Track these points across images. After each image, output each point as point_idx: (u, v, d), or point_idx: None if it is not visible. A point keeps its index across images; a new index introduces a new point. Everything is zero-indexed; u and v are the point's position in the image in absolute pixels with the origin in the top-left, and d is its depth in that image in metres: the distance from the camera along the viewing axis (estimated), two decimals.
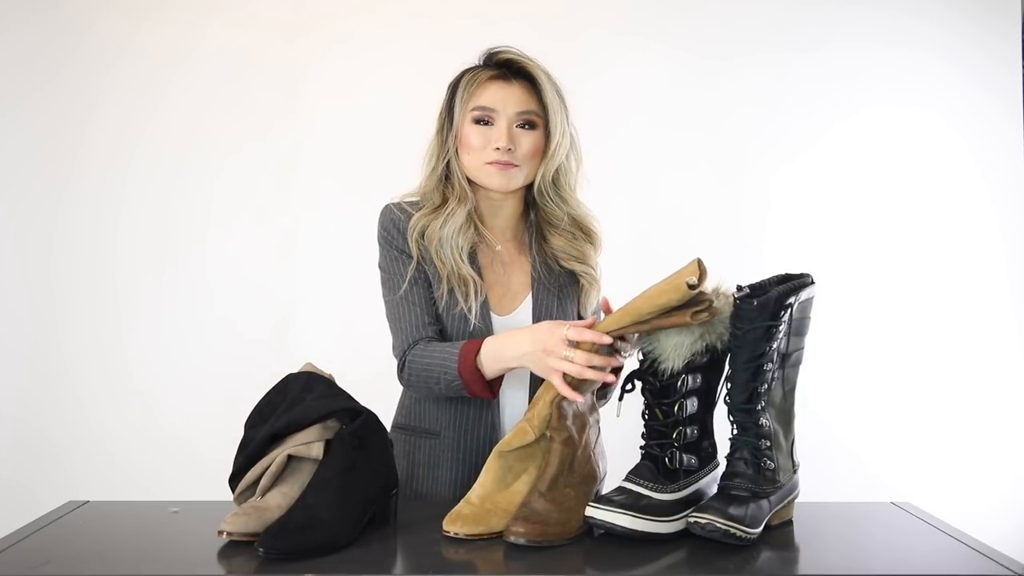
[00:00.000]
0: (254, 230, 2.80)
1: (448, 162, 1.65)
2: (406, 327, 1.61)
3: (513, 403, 1.63)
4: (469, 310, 1.59)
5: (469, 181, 1.66)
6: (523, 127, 1.60)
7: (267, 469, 1.31)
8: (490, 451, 1.46)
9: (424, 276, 1.63)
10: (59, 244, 2.78)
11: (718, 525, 1.23)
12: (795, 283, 1.34)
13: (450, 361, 1.53)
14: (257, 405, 1.39)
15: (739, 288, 1.34)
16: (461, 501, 1.35)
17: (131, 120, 2.79)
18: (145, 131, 2.79)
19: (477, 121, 1.60)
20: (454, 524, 1.31)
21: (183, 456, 2.67)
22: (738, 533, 1.23)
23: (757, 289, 1.34)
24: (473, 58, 1.67)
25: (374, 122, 2.77)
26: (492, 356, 1.50)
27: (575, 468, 1.34)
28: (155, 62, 2.79)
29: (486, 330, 1.61)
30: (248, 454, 1.34)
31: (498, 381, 1.55)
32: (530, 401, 1.44)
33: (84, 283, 2.78)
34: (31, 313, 2.78)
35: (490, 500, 1.34)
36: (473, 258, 1.64)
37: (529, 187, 1.67)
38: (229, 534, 1.23)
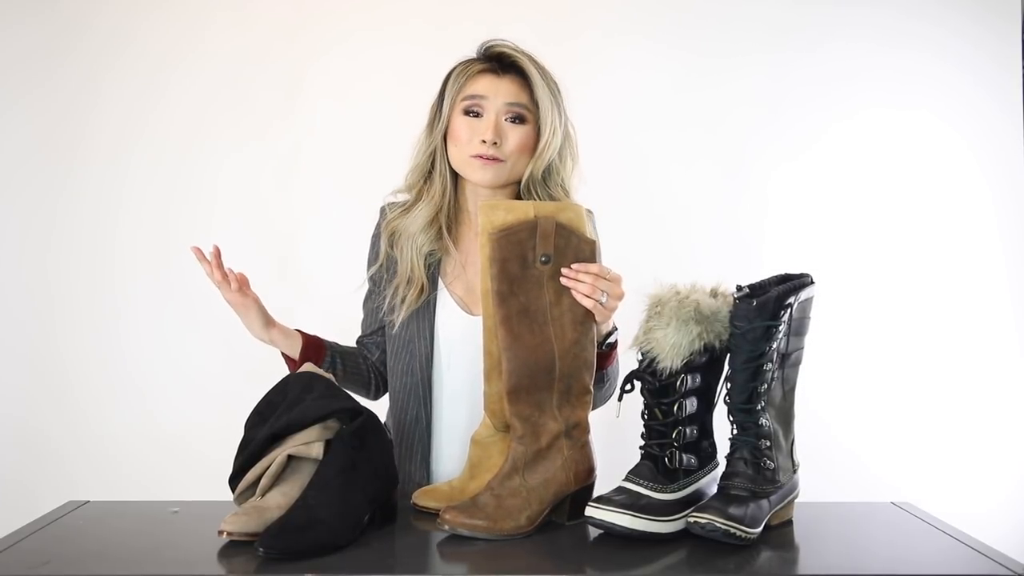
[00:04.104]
0: (254, 229, 2.80)
1: (433, 155, 1.65)
2: (361, 325, 1.77)
3: (447, 414, 1.65)
4: (401, 310, 1.63)
5: (455, 177, 1.67)
6: (512, 121, 1.60)
7: (267, 469, 1.31)
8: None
9: (377, 288, 1.71)
10: (58, 243, 2.78)
11: (718, 525, 1.23)
12: (795, 283, 1.35)
13: None
14: (257, 405, 1.39)
15: (739, 288, 1.34)
16: (445, 481, 1.47)
17: (130, 119, 2.79)
18: (144, 130, 2.79)
19: (467, 112, 1.60)
20: (421, 497, 1.43)
21: (183, 456, 2.66)
22: (738, 533, 1.24)
23: (757, 289, 1.34)
24: (471, 54, 1.68)
25: (374, 122, 2.76)
26: None
27: (536, 469, 1.34)
28: (155, 61, 2.79)
29: (416, 330, 1.63)
30: (248, 454, 1.34)
31: (298, 356, 1.62)
32: (483, 409, 1.46)
33: (84, 283, 2.77)
34: (31, 313, 2.77)
35: (461, 487, 1.42)
36: (433, 261, 1.66)
37: (518, 184, 1.66)
38: (229, 534, 1.23)
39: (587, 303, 1.37)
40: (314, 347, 1.64)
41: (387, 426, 1.73)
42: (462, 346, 1.61)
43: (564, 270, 1.36)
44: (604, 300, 1.37)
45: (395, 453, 1.64)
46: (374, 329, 1.72)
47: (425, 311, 1.64)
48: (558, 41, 2.69)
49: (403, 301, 1.63)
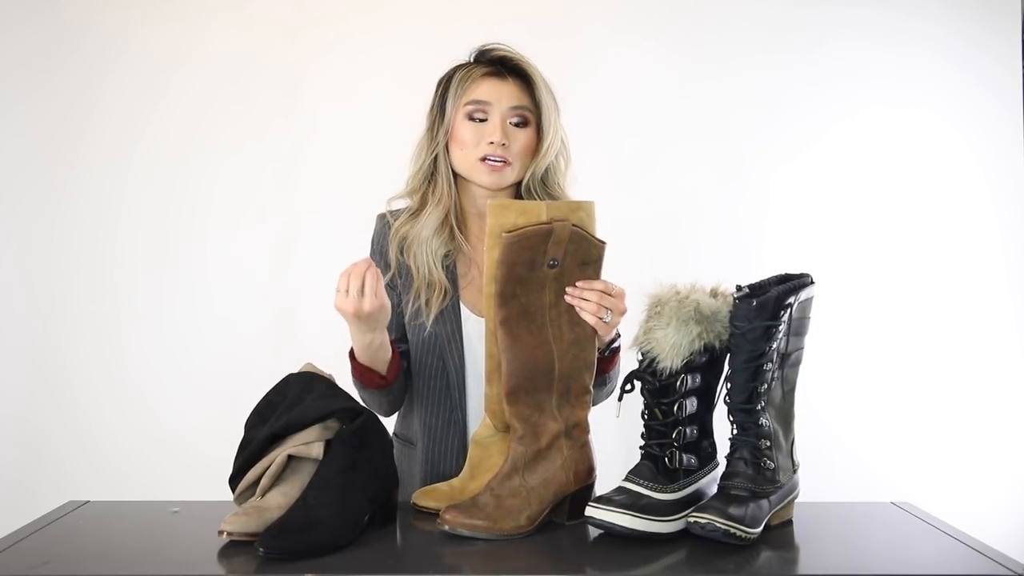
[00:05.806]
0: (254, 230, 2.80)
1: (436, 158, 1.65)
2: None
3: (476, 415, 1.63)
4: (428, 315, 1.61)
5: (456, 178, 1.66)
6: (516, 124, 1.61)
7: (267, 469, 1.31)
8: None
9: (394, 291, 1.65)
10: (59, 243, 2.78)
11: (718, 525, 1.23)
12: (795, 283, 1.35)
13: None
14: (257, 405, 1.39)
15: (738, 288, 1.34)
16: (446, 481, 1.45)
17: (131, 120, 2.79)
18: (145, 131, 2.79)
19: (471, 116, 1.60)
20: (421, 497, 1.43)
21: (183, 456, 2.66)
22: (738, 533, 1.23)
23: (756, 289, 1.34)
24: (467, 57, 1.68)
25: (374, 122, 2.77)
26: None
27: (536, 469, 1.34)
28: (155, 62, 2.79)
29: (447, 335, 1.62)
30: (248, 454, 1.34)
31: (388, 368, 1.56)
32: (484, 410, 1.45)
33: (84, 283, 2.78)
34: (31, 312, 2.78)
35: (461, 487, 1.41)
36: (449, 263, 1.65)
37: (517, 185, 1.66)
38: (229, 534, 1.23)
39: (591, 320, 1.37)
40: (397, 355, 1.60)
41: (396, 434, 1.73)
42: (481, 348, 1.61)
43: (569, 288, 1.36)
44: (608, 319, 1.38)
45: (425, 458, 1.65)
46: (399, 336, 1.68)
47: (451, 314, 1.64)
48: (557, 39, 2.70)
49: (427, 304, 1.62)
